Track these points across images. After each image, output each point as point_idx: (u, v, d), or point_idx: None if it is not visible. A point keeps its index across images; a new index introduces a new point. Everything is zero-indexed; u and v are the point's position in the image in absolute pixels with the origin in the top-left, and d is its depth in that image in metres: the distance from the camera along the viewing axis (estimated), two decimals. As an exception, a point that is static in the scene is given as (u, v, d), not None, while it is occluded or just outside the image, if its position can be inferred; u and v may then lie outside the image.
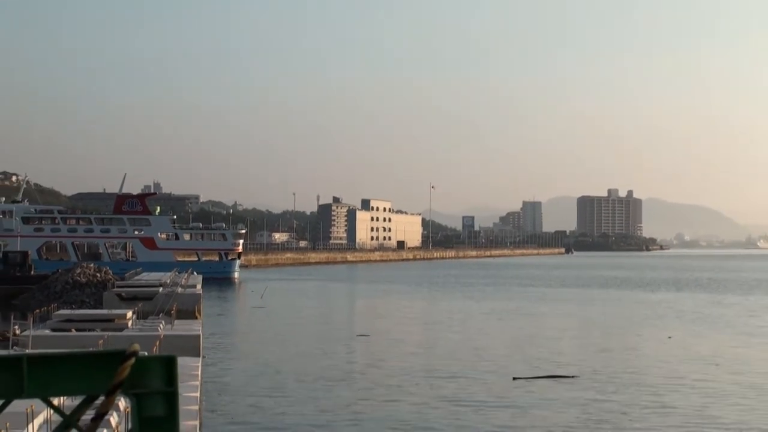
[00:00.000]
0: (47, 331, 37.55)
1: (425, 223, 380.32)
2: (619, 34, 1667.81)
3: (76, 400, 1.72)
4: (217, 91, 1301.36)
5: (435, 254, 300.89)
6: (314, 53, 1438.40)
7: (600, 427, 30.31)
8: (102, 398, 1.70)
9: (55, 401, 1.79)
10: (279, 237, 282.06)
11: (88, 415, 1.77)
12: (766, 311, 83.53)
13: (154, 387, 1.65)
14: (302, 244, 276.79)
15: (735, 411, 33.48)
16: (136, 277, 78.37)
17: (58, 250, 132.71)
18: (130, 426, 1.70)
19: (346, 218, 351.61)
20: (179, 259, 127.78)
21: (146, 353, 1.80)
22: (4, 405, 1.63)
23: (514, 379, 40.08)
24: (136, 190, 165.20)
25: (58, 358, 1.62)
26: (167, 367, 1.65)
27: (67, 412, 1.70)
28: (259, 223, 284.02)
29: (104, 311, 46.68)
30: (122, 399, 1.71)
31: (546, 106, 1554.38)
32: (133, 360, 1.63)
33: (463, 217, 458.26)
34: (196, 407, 24.10)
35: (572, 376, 40.76)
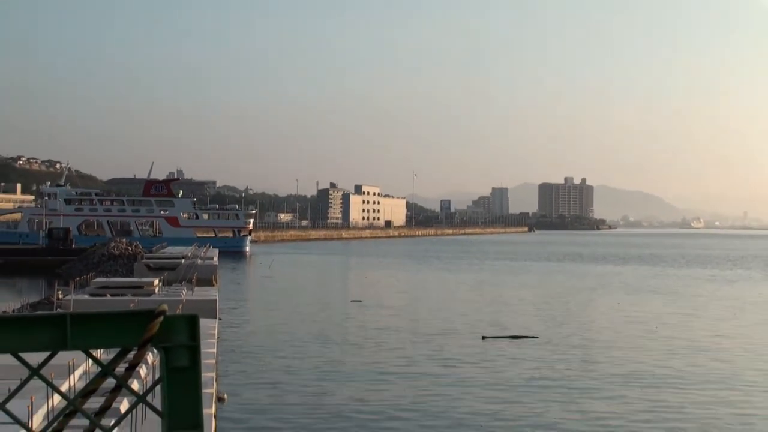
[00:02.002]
0: (86, 296, 37.48)
1: (409, 206, 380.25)
2: (584, 39, 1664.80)
3: (112, 353, 1.71)
4: (234, 91, 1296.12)
5: (417, 232, 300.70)
6: (317, 58, 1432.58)
7: (555, 380, 30.43)
8: (135, 351, 1.69)
9: (94, 354, 1.77)
10: (284, 217, 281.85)
11: (122, 366, 1.76)
12: (698, 282, 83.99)
13: (179, 341, 1.64)
14: (304, 223, 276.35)
15: (669, 366, 33.67)
16: (162, 251, 78.28)
17: (95, 227, 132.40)
18: (158, 375, 1.69)
19: (341, 201, 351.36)
20: (199, 235, 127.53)
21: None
22: (51, 356, 1.62)
23: (483, 338, 40.24)
24: (162, 176, 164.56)
25: (97, 315, 1.61)
26: (191, 324, 1.64)
27: (105, 363, 1.69)
28: (267, 205, 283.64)
29: (135, 279, 46.62)
30: (151, 352, 1.70)
31: (515, 106, 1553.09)
32: (161, 318, 1.62)
33: (441, 201, 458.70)
34: (213, 361, 24.12)
35: (533, 337, 40.92)
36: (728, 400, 27.29)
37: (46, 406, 15.17)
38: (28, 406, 13.57)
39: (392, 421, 24.07)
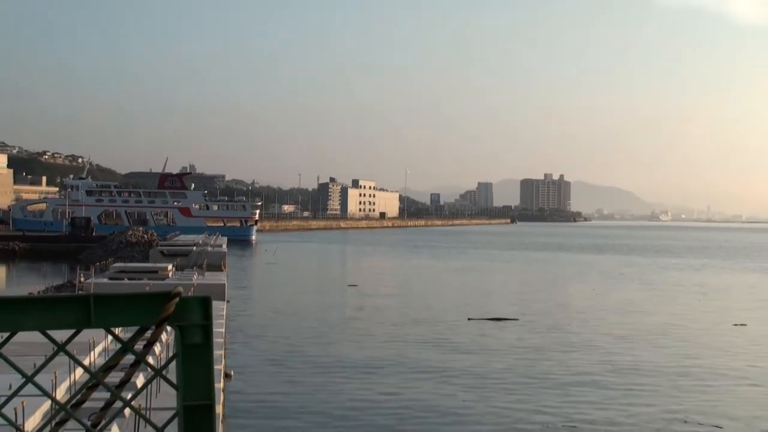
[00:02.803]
0: (105, 280, 37.44)
1: (402, 198, 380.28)
2: (563, 49, 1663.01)
3: (131, 332, 1.70)
4: (242, 93, 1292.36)
5: (409, 223, 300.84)
6: (318, 63, 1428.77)
7: (534, 358, 30.51)
8: (152, 329, 1.68)
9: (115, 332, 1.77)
10: (287, 208, 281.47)
11: (140, 343, 1.75)
12: (666, 270, 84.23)
13: (193, 320, 1.64)
14: (305, 214, 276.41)
15: (641, 344, 33.79)
16: (175, 239, 78.23)
17: (114, 217, 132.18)
18: (173, 352, 1.69)
19: (340, 194, 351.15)
20: (209, 224, 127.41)
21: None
22: (75, 334, 1.62)
23: (469, 319, 40.33)
24: (175, 170, 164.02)
25: (118, 297, 1.61)
26: (204, 305, 1.64)
27: (125, 341, 1.68)
28: (272, 197, 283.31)
29: (150, 264, 46.55)
30: (165, 331, 1.70)
31: (501, 109, 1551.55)
32: (177, 299, 1.62)
33: (431, 194, 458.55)
34: (222, 340, 24.15)
35: (514, 319, 41.02)
36: (689, 374, 27.43)
37: (68, 379, 15.17)
38: (52, 380, 13.57)
39: (382, 395, 24.11)
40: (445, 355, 31.08)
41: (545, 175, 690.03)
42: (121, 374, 1.81)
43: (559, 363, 29.57)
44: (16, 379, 12.93)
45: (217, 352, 19.54)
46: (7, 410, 1.75)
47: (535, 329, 37.91)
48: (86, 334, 16.96)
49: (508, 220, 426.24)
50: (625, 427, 21.06)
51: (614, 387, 25.63)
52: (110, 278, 38.62)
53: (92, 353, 17.16)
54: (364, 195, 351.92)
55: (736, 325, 40.83)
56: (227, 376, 24.60)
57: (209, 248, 59.43)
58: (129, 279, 37.78)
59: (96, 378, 1.60)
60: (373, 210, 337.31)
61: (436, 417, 21.65)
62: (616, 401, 23.70)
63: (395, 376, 26.85)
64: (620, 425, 21.17)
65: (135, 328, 1.66)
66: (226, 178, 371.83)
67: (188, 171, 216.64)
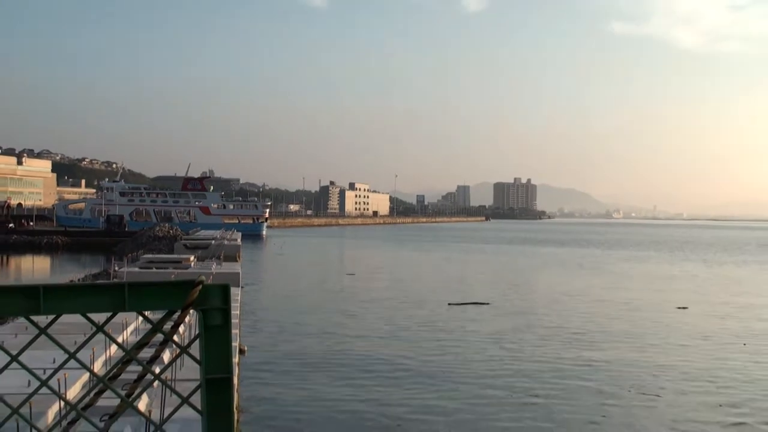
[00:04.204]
0: (136, 269, 37.27)
1: (392, 199, 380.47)
2: (536, 67, 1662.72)
3: (159, 314, 1.70)
4: (253, 106, 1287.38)
5: (398, 220, 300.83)
6: (321, 81, 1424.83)
7: (502, 336, 30.57)
8: (178, 312, 1.67)
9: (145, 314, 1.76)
10: (293, 207, 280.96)
11: (168, 324, 1.74)
12: (618, 261, 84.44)
13: (214, 305, 1.63)
14: (309, 212, 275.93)
15: (596, 325, 33.89)
16: (197, 234, 77.83)
17: (144, 215, 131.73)
18: (196, 332, 1.68)
19: (338, 195, 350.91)
20: (226, 221, 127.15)
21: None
22: (112, 316, 1.61)
23: (449, 305, 40.35)
24: (196, 175, 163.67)
25: (149, 284, 1.60)
26: (223, 291, 1.63)
27: (155, 322, 1.67)
28: (280, 197, 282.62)
29: (175, 256, 46.33)
30: (190, 314, 1.69)
31: (477, 121, 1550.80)
32: (200, 286, 1.61)
33: (417, 195, 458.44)
34: (237, 320, 24.11)
35: (488, 303, 41.07)
36: (636, 350, 27.54)
37: (104, 355, 15.12)
38: (90, 356, 13.53)
39: (376, 363, 24.12)
40: (429, 333, 31.11)
41: (515, 179, 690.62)
42: (152, 351, 1.80)
43: (524, 341, 29.64)
44: (60, 355, 12.89)
45: (233, 331, 19.53)
46: (52, 381, 1.74)
47: (505, 312, 37.98)
48: (120, 317, 16.87)
49: (483, 218, 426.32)
50: (578, 394, 21.16)
51: (570, 362, 25.69)
52: (140, 268, 38.45)
53: (125, 333, 17.13)
54: (360, 196, 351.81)
55: (679, 308, 40.97)
56: (241, 351, 24.53)
57: (226, 242, 59.12)
58: (157, 268, 37.60)
59: (130, 354, 1.60)
60: (367, 209, 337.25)
61: (420, 384, 21.68)
62: (572, 374, 23.77)
63: (387, 348, 26.87)
64: (574, 393, 21.25)
65: (163, 312, 1.66)
66: (241, 182, 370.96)
67: (208, 175, 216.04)
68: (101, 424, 1.64)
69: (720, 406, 20.32)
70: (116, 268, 36.90)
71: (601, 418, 18.79)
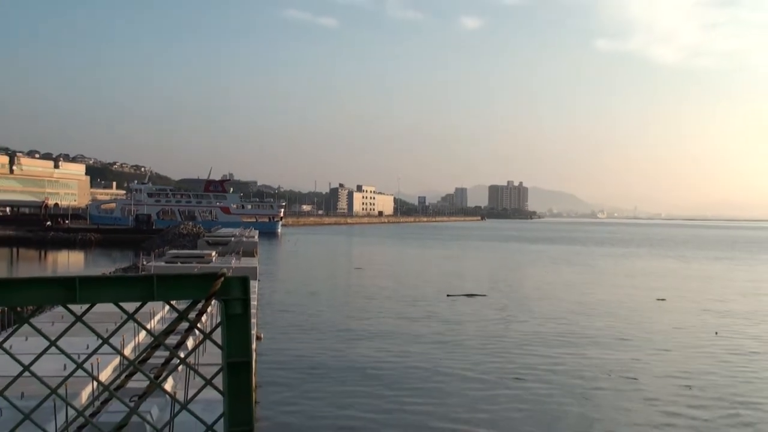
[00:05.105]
0: (162, 263, 37.35)
1: (395, 200, 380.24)
2: (525, 81, 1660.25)
3: (184, 304, 1.69)
4: (270, 116, 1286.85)
5: (401, 219, 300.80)
6: (333, 94, 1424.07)
7: (496, 325, 30.55)
8: (202, 302, 1.67)
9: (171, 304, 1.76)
10: (305, 207, 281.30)
11: (193, 313, 1.74)
12: (602, 257, 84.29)
13: (235, 295, 1.63)
14: (320, 212, 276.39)
15: (581, 314, 33.82)
16: (218, 231, 78.06)
17: (170, 214, 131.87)
18: (218, 320, 1.68)
19: (347, 196, 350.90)
20: (244, 220, 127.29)
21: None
22: (142, 305, 1.61)
23: (448, 296, 40.34)
24: (217, 177, 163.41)
25: (176, 276, 1.60)
26: (243, 283, 1.63)
27: (181, 311, 1.67)
28: (294, 198, 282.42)
29: (198, 251, 46.39)
30: (212, 304, 1.68)
31: (473, 129, 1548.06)
32: (222, 278, 1.61)
33: (419, 197, 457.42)
34: (254, 310, 24.13)
35: (483, 295, 41.05)
36: (617, 337, 27.50)
37: (134, 341, 15.14)
38: (121, 342, 13.54)
39: (380, 348, 24.12)
40: (430, 320, 31.10)
41: (508, 181, 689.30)
42: (177, 337, 1.80)
43: (516, 329, 29.61)
44: (93, 342, 12.91)
45: (251, 321, 19.58)
46: (86, 365, 1.74)
47: (500, 303, 37.94)
48: (147, 307, 16.89)
49: (479, 218, 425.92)
50: (562, 376, 21.16)
51: (556, 347, 25.65)
52: (166, 262, 38.52)
53: (152, 321, 17.16)
54: (366, 197, 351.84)
55: (658, 299, 40.88)
56: (258, 338, 24.56)
57: (244, 239, 59.25)
58: (181, 263, 37.67)
59: (158, 340, 1.60)
60: (373, 209, 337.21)
61: (422, 366, 21.67)
62: (557, 358, 23.76)
63: (391, 337, 26.87)
64: (558, 375, 21.24)
65: (188, 301, 1.66)
66: (258, 184, 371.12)
67: (228, 178, 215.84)
68: (131, 404, 1.64)
69: (689, 388, 20.30)
70: (144, 263, 36.98)
71: (583, 400, 18.76)
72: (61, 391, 1.93)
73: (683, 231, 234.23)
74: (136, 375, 1.65)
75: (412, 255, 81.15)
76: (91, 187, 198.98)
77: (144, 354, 1.67)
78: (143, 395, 1.63)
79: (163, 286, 1.55)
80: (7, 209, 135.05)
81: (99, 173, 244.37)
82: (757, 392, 20.16)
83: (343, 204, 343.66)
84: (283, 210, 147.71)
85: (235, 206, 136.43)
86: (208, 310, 1.64)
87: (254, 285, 29.31)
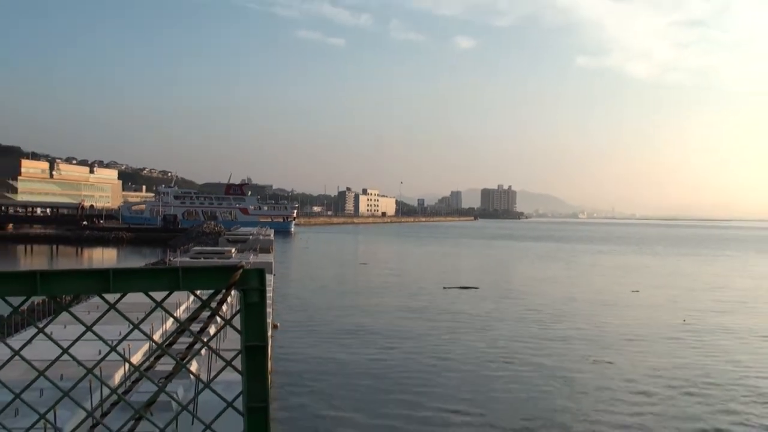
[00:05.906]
0: (187, 258, 37.48)
1: (397, 202, 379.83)
2: (510, 95, 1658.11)
3: (207, 294, 1.70)
4: (284, 125, 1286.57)
5: (402, 219, 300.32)
6: (340, 104, 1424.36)
7: (488, 314, 30.52)
8: (223, 292, 1.68)
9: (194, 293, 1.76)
10: (316, 209, 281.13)
11: (214, 301, 1.74)
12: (583, 253, 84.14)
13: (253, 286, 1.63)
14: (329, 213, 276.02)
15: (564, 304, 33.79)
16: (237, 230, 78.14)
17: (194, 215, 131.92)
18: (238, 307, 1.69)
19: (353, 199, 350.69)
20: (261, 220, 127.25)
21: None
22: (168, 294, 1.61)
23: (444, 288, 40.31)
24: (237, 181, 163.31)
25: (199, 268, 1.60)
26: (260, 275, 1.63)
27: (204, 299, 1.68)
28: (305, 201, 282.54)
29: (219, 248, 46.54)
30: (232, 294, 1.69)
31: (468, 137, 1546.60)
32: (241, 270, 1.61)
33: (418, 199, 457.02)
34: (270, 301, 24.14)
35: (476, 287, 41.01)
36: (596, 325, 27.45)
37: (162, 328, 15.16)
38: (150, 328, 13.57)
39: (384, 334, 24.11)
40: (427, 310, 31.09)
41: (498, 185, 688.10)
42: (201, 324, 1.81)
43: (505, 317, 29.60)
44: (124, 329, 12.94)
45: (268, 310, 19.60)
46: (118, 349, 1.74)
47: (491, 294, 37.91)
48: (173, 297, 16.97)
49: (472, 218, 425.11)
50: (548, 361, 21.13)
51: (541, 335, 25.64)
52: (191, 257, 38.65)
53: (178, 311, 17.18)
54: (371, 199, 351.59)
55: (632, 291, 40.81)
56: (274, 326, 24.60)
57: (261, 237, 59.37)
58: (204, 258, 37.78)
59: (183, 326, 1.61)
60: (377, 210, 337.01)
61: (421, 349, 21.67)
62: (543, 345, 23.74)
63: (392, 326, 26.86)
64: (544, 359, 21.21)
65: (210, 291, 1.67)
66: (273, 187, 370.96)
67: (246, 182, 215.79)
68: (159, 384, 1.65)
69: (656, 370, 20.28)
70: (171, 258, 37.06)
71: (565, 381, 18.73)
72: (96, 372, 1.93)
73: (656, 230, 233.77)
74: (163, 358, 1.66)
75: (412, 251, 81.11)
76: (123, 190, 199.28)
77: (171, 339, 1.68)
78: (170, 376, 1.64)
79: (187, 277, 1.55)
80: (48, 210, 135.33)
81: (130, 178, 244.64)
82: (721, 372, 20.14)
83: (350, 206, 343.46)
84: (296, 211, 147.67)
85: (252, 207, 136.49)
86: (228, 299, 1.65)
87: (270, 278, 29.34)
